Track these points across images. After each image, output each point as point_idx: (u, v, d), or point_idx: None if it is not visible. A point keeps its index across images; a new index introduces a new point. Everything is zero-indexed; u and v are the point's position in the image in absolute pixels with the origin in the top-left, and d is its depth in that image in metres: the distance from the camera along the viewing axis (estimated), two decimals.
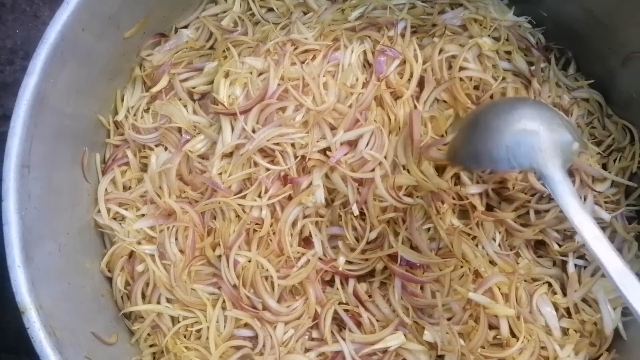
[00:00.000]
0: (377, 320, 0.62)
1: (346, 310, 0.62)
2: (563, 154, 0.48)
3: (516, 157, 0.48)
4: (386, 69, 0.65)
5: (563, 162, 0.48)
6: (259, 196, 0.62)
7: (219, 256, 0.61)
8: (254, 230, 0.61)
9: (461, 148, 0.55)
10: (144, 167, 0.68)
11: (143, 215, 0.65)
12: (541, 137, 0.48)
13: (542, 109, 0.51)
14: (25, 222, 0.50)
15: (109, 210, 0.65)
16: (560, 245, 0.65)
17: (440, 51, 0.66)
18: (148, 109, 0.70)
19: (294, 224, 0.62)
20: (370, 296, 0.63)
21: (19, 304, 0.48)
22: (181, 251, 0.62)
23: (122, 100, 0.70)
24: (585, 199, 0.65)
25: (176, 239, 0.62)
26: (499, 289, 0.61)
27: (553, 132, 0.49)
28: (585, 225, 0.45)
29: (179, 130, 0.66)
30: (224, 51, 0.68)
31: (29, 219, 0.51)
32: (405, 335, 0.60)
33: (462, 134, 0.56)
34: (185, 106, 0.68)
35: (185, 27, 0.74)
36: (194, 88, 0.69)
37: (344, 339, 0.61)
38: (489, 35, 0.70)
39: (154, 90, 0.69)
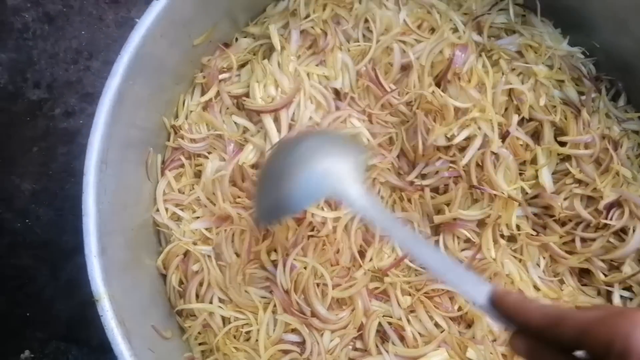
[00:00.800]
0: (420, 335, 0.63)
1: (389, 323, 0.63)
2: (358, 171, 0.49)
3: (316, 192, 0.49)
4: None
5: (360, 179, 0.48)
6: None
7: (274, 260, 0.63)
8: (310, 236, 0.63)
9: (263, 204, 0.54)
10: (198, 173, 0.70)
11: (198, 217, 0.68)
12: (334, 165, 0.49)
13: (325, 137, 0.53)
14: (101, 214, 0.53)
15: (167, 210, 0.68)
16: (605, 275, 0.66)
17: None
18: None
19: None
20: (412, 311, 0.64)
21: (94, 292, 0.50)
22: (237, 254, 0.64)
23: (184, 104, 0.73)
24: (634, 230, 0.65)
25: (232, 242, 0.64)
26: None
27: (343, 154, 0.50)
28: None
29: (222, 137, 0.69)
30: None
31: (104, 212, 0.54)
32: (447, 351, 0.61)
33: (259, 190, 0.55)
34: (231, 114, 0.70)
35: (246, 37, 0.77)
36: (229, 93, 0.71)
37: (387, 352, 0.62)
38: (543, 63, 0.72)
39: (202, 99, 0.71)
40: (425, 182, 0.66)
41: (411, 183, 0.67)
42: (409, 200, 0.66)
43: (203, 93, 0.73)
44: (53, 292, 0.84)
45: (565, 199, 0.66)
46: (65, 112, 0.91)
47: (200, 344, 0.64)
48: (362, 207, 0.47)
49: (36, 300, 0.84)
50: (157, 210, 0.68)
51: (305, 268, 0.61)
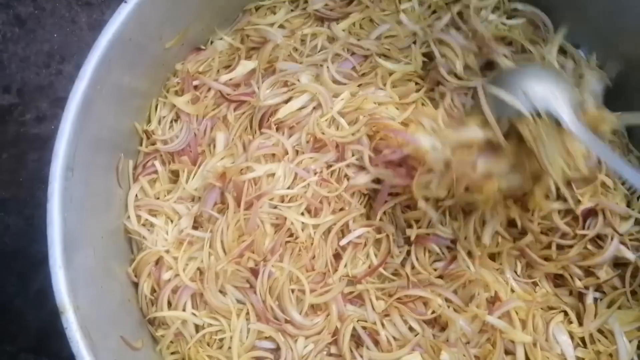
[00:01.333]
0: (395, 339, 0.63)
1: (364, 328, 0.63)
2: (573, 105, 0.53)
3: (532, 100, 0.53)
4: None
5: (575, 111, 0.53)
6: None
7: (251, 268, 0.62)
8: (287, 242, 0.63)
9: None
10: (174, 179, 0.70)
11: (171, 221, 0.67)
12: (555, 86, 0.54)
13: (553, 71, 0.59)
14: (67, 224, 0.52)
15: (139, 217, 0.66)
16: (580, 280, 0.66)
17: None
18: (177, 118, 0.72)
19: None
20: (387, 315, 0.64)
21: (59, 304, 0.48)
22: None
23: (156, 109, 0.72)
24: (612, 239, 0.65)
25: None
26: (517, 314, 0.62)
27: (561, 83, 0.55)
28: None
29: None
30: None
31: (70, 221, 0.52)
32: (421, 354, 0.61)
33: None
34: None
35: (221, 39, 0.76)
36: (230, 80, 0.71)
37: (361, 356, 0.61)
38: None
39: (179, 103, 0.70)
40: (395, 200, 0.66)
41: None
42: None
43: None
44: (23, 303, 0.82)
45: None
46: (37, 117, 0.89)
47: (172, 354, 0.63)
48: (571, 124, 0.51)
49: (6, 311, 0.81)
50: (129, 217, 0.66)
51: (281, 274, 0.61)
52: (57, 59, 0.91)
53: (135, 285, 0.65)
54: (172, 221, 0.67)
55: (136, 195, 0.68)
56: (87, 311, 0.50)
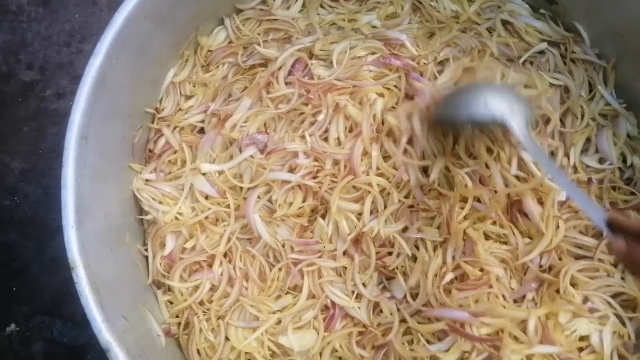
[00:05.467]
0: None
1: None
2: (526, 116, 0.59)
3: (491, 108, 0.59)
4: None
5: (526, 120, 0.59)
6: None
7: None
8: None
9: (443, 108, 0.64)
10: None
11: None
12: (513, 100, 0.60)
13: (509, 88, 0.64)
14: (80, 188, 0.55)
15: (150, 193, 0.68)
16: None
17: None
18: (191, 96, 0.74)
19: None
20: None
21: (70, 260, 0.52)
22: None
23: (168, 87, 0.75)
24: None
25: None
26: None
27: (519, 101, 0.60)
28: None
29: None
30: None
31: (83, 185, 0.55)
32: None
33: (445, 100, 0.65)
34: None
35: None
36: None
37: None
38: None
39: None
40: None
41: None
42: None
43: (202, 67, 0.74)
44: (39, 268, 0.86)
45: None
46: (57, 93, 0.93)
47: (175, 317, 0.66)
48: (522, 136, 0.57)
49: (22, 275, 0.86)
50: (138, 189, 0.69)
51: None
52: (77, 39, 0.94)
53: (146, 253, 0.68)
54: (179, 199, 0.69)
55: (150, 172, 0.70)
56: (96, 269, 0.54)
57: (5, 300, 0.85)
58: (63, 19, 0.95)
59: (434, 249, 0.63)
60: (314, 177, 0.65)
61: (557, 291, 0.62)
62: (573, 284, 0.63)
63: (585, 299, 0.63)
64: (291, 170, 0.65)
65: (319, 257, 0.63)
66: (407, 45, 0.70)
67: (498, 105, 0.59)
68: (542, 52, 0.74)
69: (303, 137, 0.66)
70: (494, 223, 0.65)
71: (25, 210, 0.88)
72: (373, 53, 0.70)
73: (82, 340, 0.83)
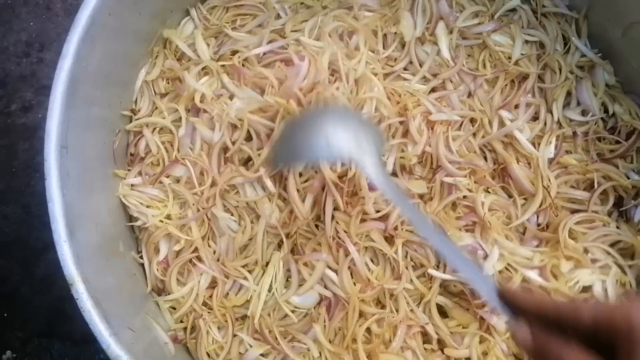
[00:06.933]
0: None
1: None
2: (377, 148, 0.52)
3: (335, 146, 0.50)
4: None
5: (377, 155, 0.51)
6: None
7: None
8: None
9: (281, 147, 0.57)
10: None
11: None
12: (357, 131, 0.52)
13: (354, 114, 0.58)
14: (67, 200, 0.52)
15: (137, 198, 0.66)
16: None
17: None
18: (166, 94, 0.72)
19: None
20: None
21: (67, 276, 0.49)
22: None
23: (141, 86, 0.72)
24: None
25: None
26: None
27: (367, 129, 0.53)
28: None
29: None
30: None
31: (69, 197, 0.53)
32: None
33: (281, 137, 0.58)
34: None
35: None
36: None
37: None
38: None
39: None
40: None
41: None
42: None
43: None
44: (29, 290, 0.83)
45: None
46: (22, 107, 0.88)
47: (180, 322, 0.64)
48: (375, 178, 0.49)
49: (12, 299, 0.82)
50: (125, 197, 0.66)
51: None
52: (36, 47, 0.90)
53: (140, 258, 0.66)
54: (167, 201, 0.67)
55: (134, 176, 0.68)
56: (95, 282, 0.51)
57: None
58: (17, 28, 0.91)
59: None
60: None
61: (557, 249, 0.63)
62: (572, 238, 0.64)
63: (585, 251, 0.64)
64: None
65: None
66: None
67: (343, 142, 0.50)
68: (513, 10, 0.74)
69: None
70: (487, 190, 0.66)
71: (7, 233, 0.84)
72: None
73: (83, 358, 0.81)
